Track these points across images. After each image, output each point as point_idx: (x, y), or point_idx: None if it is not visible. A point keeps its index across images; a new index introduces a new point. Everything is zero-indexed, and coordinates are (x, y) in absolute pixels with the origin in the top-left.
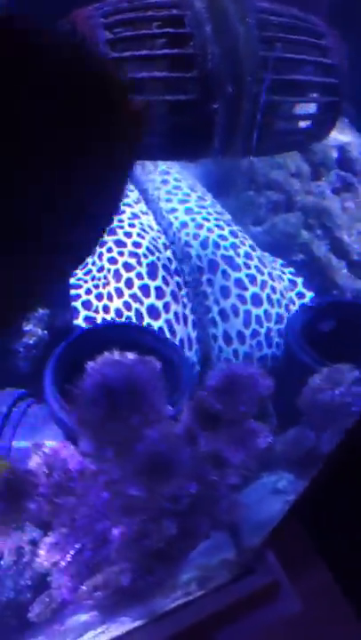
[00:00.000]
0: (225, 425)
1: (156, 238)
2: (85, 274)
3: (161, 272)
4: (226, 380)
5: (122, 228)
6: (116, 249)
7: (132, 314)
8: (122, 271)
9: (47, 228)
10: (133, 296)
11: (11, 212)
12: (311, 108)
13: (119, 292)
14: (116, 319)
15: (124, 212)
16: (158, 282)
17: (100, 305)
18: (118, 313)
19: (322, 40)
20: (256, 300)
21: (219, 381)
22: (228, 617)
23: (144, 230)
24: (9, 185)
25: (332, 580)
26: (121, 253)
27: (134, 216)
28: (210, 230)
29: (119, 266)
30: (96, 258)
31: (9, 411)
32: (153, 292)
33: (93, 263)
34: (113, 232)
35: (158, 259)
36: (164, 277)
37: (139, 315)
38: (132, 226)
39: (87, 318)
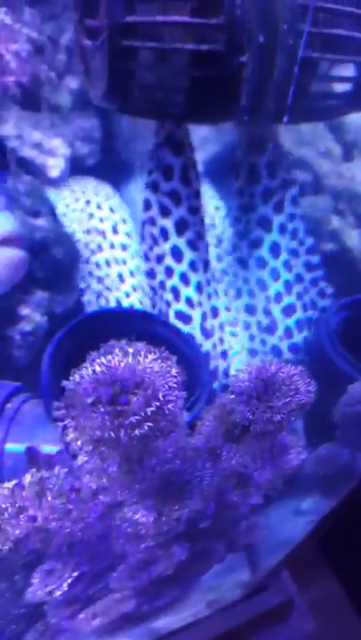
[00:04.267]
0: (253, 437)
1: None
2: None
3: None
4: (259, 382)
5: None
6: None
7: None
8: None
9: None
10: None
11: None
12: (351, 70)
13: None
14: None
15: None
16: None
17: None
18: None
19: None
20: None
21: (250, 384)
22: (237, 637)
23: None
24: None
25: (348, 599)
26: None
27: None
28: None
29: None
30: None
31: (1, 408)
32: None
33: None
34: None
35: None
36: None
37: None
38: None
39: None
